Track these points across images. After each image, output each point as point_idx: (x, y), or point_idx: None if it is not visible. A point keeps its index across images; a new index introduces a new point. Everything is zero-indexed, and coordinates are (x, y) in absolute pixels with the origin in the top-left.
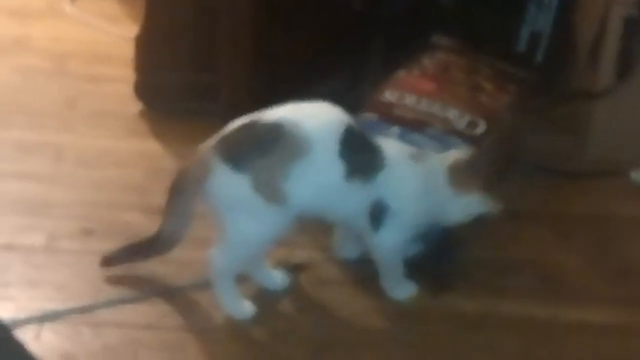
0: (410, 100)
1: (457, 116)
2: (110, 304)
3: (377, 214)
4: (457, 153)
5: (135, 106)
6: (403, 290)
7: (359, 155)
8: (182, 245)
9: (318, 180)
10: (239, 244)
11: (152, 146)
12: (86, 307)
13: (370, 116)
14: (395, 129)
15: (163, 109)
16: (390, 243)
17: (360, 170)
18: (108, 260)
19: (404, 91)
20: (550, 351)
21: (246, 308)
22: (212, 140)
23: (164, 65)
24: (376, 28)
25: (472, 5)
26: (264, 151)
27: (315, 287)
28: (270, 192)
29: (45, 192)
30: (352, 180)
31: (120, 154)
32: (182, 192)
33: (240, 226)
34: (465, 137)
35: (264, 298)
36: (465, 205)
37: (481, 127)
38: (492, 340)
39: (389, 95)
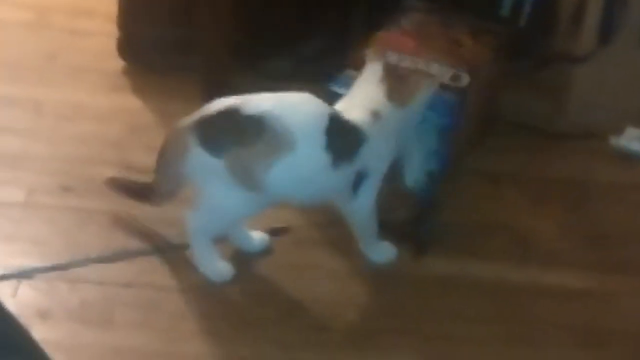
0: (393, 58)
1: (440, 70)
2: (87, 261)
3: (357, 182)
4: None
5: (116, 61)
6: (382, 253)
7: (343, 142)
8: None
9: (303, 173)
10: (215, 213)
11: (132, 102)
12: (63, 264)
13: (353, 73)
14: None
15: (144, 65)
16: (369, 204)
17: (346, 155)
18: (112, 183)
19: (385, 49)
20: (524, 314)
21: (224, 270)
22: (191, 119)
23: (146, 21)
24: None
25: None
26: (245, 142)
27: (291, 249)
28: (247, 179)
29: (24, 147)
30: (339, 166)
31: (100, 109)
32: (167, 161)
33: (216, 199)
34: (451, 90)
35: (239, 259)
36: (415, 108)
37: (465, 80)
38: (465, 303)
39: (370, 53)
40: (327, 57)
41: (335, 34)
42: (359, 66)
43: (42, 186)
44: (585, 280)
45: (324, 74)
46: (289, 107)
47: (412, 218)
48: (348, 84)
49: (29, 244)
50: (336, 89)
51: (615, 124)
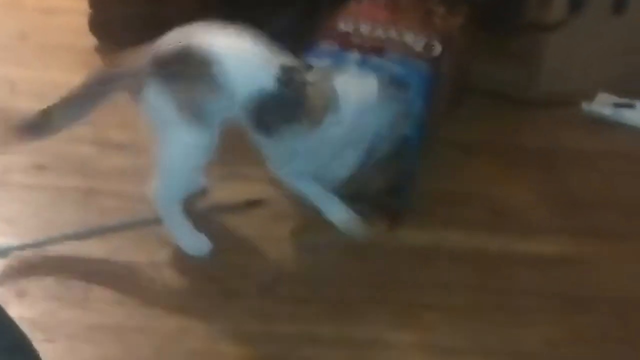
0: (365, 28)
1: (413, 40)
2: (63, 238)
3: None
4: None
5: (88, 40)
6: (338, 213)
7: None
8: (135, 180)
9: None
10: (171, 166)
11: None
12: (39, 242)
13: (328, 45)
14: (356, 55)
15: (116, 42)
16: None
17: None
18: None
19: (358, 20)
20: (501, 282)
21: (202, 244)
22: (147, 52)
23: None
24: None
25: None
26: (194, 78)
27: (269, 222)
28: (193, 114)
29: None
30: None
31: (73, 86)
32: (106, 83)
33: (169, 145)
34: (424, 59)
35: (215, 232)
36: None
37: (437, 48)
38: (443, 273)
39: (343, 25)
40: (298, 31)
41: (306, 6)
42: (332, 38)
43: (16, 165)
44: (562, 247)
45: (295, 48)
46: (235, 51)
47: (386, 189)
48: (323, 55)
49: (3, 223)
50: (312, 61)
51: (587, 92)
